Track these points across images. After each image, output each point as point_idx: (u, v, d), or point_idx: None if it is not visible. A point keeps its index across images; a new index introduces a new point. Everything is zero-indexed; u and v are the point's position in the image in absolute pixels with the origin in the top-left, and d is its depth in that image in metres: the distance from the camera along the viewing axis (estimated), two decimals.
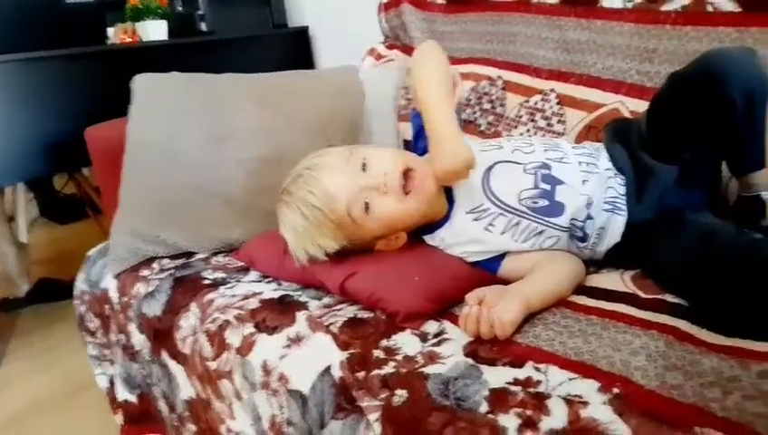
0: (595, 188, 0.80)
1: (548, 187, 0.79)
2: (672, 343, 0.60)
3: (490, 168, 0.83)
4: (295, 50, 2.18)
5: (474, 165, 0.76)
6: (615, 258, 0.81)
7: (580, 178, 0.80)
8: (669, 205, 0.78)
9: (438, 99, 0.79)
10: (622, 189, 0.81)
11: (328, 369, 0.67)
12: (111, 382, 1.16)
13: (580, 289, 0.76)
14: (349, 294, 0.78)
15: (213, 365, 0.80)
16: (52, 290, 1.89)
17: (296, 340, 0.73)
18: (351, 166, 0.79)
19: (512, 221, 0.79)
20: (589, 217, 0.79)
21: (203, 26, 2.09)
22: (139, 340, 0.98)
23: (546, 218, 0.79)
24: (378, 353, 0.67)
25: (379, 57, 1.51)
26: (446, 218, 0.83)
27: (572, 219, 0.79)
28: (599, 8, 1.10)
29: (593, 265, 0.83)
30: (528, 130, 1.13)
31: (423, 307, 0.72)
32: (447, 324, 0.71)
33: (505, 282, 0.76)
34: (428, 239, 0.85)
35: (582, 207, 0.79)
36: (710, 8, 0.95)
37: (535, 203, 0.79)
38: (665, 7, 1.01)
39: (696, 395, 0.52)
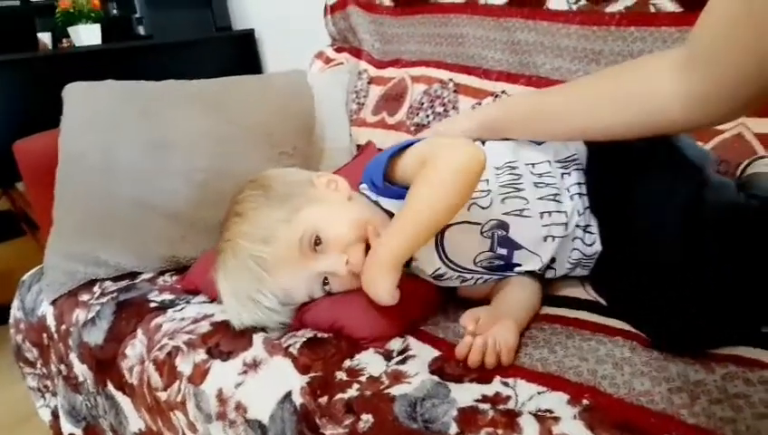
0: (558, 249, 0.72)
1: (504, 251, 0.73)
2: (637, 349, 0.60)
3: (443, 231, 0.72)
4: (241, 54, 2.12)
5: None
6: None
7: (540, 236, 0.72)
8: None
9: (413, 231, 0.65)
10: (590, 250, 0.73)
11: (288, 395, 0.63)
12: (55, 415, 1.08)
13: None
14: (309, 325, 0.74)
15: (163, 396, 0.75)
16: None
17: (253, 365, 0.69)
18: (303, 248, 0.69)
19: (472, 278, 0.76)
20: (549, 268, 0.75)
21: (140, 30, 2.01)
22: (82, 370, 0.91)
23: (503, 273, 0.75)
24: (340, 375, 0.64)
25: (327, 61, 1.47)
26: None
27: (528, 272, 0.74)
28: (545, 10, 1.10)
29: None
30: None
31: (390, 331, 0.69)
32: (412, 340, 0.68)
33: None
34: None
35: (538, 267, 0.73)
36: (652, 9, 0.97)
37: (491, 263, 0.74)
38: (609, 9, 1.02)
39: (664, 401, 0.52)
